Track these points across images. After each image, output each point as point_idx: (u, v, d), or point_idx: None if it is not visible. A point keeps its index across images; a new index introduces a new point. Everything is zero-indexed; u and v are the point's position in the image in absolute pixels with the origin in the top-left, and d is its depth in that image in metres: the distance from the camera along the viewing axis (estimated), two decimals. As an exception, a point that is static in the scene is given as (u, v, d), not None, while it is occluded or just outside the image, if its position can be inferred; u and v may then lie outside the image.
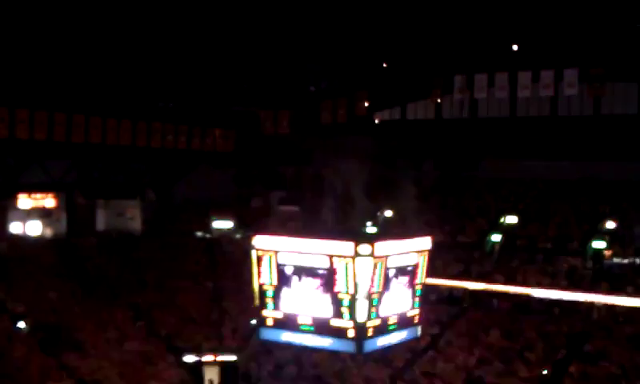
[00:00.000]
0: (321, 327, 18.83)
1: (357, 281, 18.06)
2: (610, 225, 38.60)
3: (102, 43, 31.16)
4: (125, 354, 36.44)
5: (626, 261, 36.53)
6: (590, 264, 37.04)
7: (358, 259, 17.93)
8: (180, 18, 29.08)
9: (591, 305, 35.93)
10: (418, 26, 30.33)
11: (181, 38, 32.01)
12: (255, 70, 38.20)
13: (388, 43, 34.68)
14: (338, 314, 18.46)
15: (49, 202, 44.08)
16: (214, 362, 37.25)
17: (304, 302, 19.04)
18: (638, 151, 38.26)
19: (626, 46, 30.67)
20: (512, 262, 38.77)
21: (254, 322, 29.88)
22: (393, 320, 19.37)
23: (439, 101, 38.45)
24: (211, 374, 36.93)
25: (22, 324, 35.63)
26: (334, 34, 32.25)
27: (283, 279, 19.42)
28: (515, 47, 31.58)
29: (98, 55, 32.72)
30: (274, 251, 19.56)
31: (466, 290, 39.11)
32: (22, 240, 42.93)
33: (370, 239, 18.50)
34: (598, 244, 37.36)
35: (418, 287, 20.26)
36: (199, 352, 37.44)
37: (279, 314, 19.66)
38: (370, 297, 18.25)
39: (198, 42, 32.70)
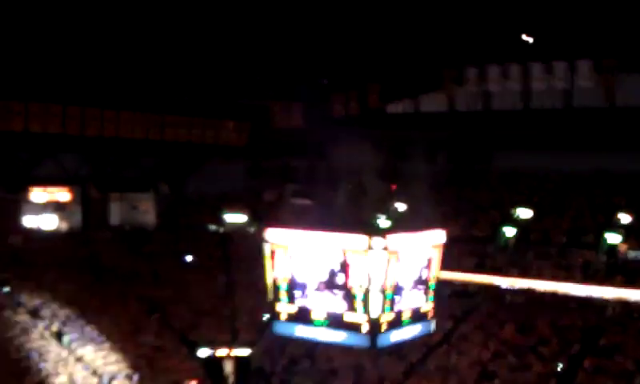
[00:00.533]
0: (334, 321, 18.83)
1: (370, 275, 18.03)
2: (625, 218, 38.29)
3: (115, 37, 31.19)
4: (139, 346, 36.58)
5: (641, 254, 36.24)
6: (604, 258, 36.78)
7: (371, 253, 17.90)
8: (194, 12, 29.08)
9: (606, 299, 35.72)
10: (431, 17, 30.17)
11: (195, 31, 32.00)
12: (267, 63, 38.15)
13: (400, 35, 34.52)
14: (352, 309, 18.45)
15: (63, 195, 44.27)
16: (228, 356, 37.35)
17: (318, 296, 19.03)
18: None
19: (639, 37, 30.39)
20: (526, 255, 38.55)
21: (266, 316, 29.93)
22: (407, 314, 19.34)
23: (452, 93, 38.25)
24: (225, 368, 37.04)
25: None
26: (347, 26, 32.14)
27: (297, 273, 19.42)
28: (529, 39, 31.37)
29: (111, 49, 32.77)
30: (287, 245, 19.56)
31: (479, 285, 38.95)
32: (37, 233, 43.15)
33: (384, 232, 18.45)
34: (613, 237, 37.08)
35: (432, 281, 20.21)
36: (213, 346, 37.53)
37: (293, 308, 19.67)
38: (383, 291, 18.22)
39: (212, 35, 32.68)
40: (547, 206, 41.57)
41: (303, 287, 19.32)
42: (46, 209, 43.79)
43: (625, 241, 36.92)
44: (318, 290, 19.01)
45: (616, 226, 37.97)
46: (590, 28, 30.20)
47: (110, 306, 38.96)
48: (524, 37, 31.21)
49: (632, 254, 36.45)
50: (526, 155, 42.69)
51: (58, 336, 35.71)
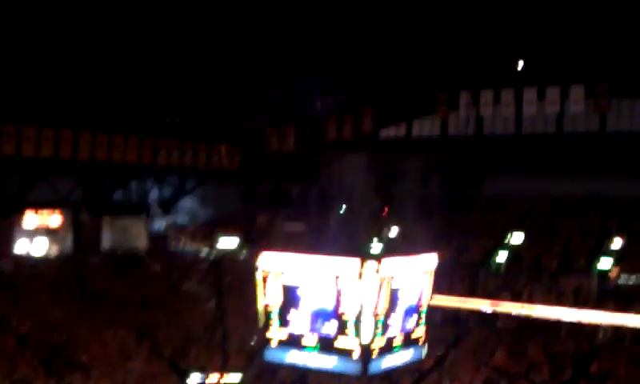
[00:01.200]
0: (326, 347, 18.69)
1: (362, 299, 17.93)
2: (617, 243, 38.37)
3: (107, 59, 31.23)
4: (128, 373, 36.27)
5: (632, 279, 36.26)
6: (596, 283, 36.79)
7: (363, 277, 17.82)
8: (186, 34, 29.17)
9: (598, 324, 35.68)
10: (424, 41, 30.34)
11: (187, 54, 32.07)
12: (260, 87, 38.24)
13: (393, 59, 34.67)
14: (344, 334, 18.33)
15: (55, 219, 44.07)
16: (219, 383, 37.07)
17: (309, 321, 18.91)
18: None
19: (631, 62, 30.60)
20: (518, 280, 38.54)
21: (254, 343, 29.78)
22: (398, 340, 19.22)
23: (445, 117, 38.37)
24: (216, 394, 36.79)
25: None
26: (340, 49, 32.28)
27: (288, 298, 19.31)
28: (521, 63, 31.56)
29: (103, 72, 32.80)
30: (279, 269, 19.46)
31: (471, 310, 38.89)
32: (28, 258, 42.87)
33: (376, 257, 18.39)
34: (605, 262, 37.14)
35: (424, 306, 20.12)
36: (204, 372, 37.26)
37: (284, 334, 19.53)
38: (375, 316, 18.12)
39: (204, 57, 32.76)
40: (539, 231, 41.64)
41: (294, 313, 19.21)
42: (36, 233, 43.57)
43: (616, 266, 36.98)
44: (309, 315, 18.90)
45: (608, 251, 38.06)
46: (583, 53, 30.42)
47: (99, 332, 38.65)
48: (517, 62, 31.42)
49: (624, 279, 36.51)
50: (518, 180, 42.83)
51: (47, 362, 35.35)
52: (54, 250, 44.33)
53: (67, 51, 29.81)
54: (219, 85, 37.40)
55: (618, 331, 35.35)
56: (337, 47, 31.62)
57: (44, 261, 43.13)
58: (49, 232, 44.14)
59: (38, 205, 42.86)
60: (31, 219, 42.98)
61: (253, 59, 33.41)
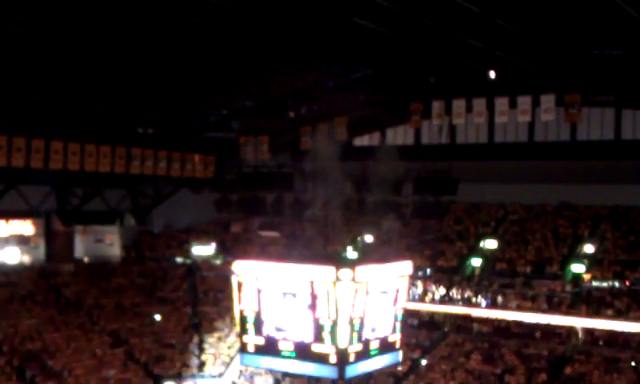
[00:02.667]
0: (302, 353, 18.81)
1: (338, 306, 18.07)
2: (589, 248, 38.87)
3: (79, 68, 31.03)
4: (103, 381, 36.03)
5: (604, 284, 36.75)
6: (569, 287, 37.24)
7: (339, 284, 17.96)
8: (160, 45, 29.08)
9: (571, 328, 36.13)
10: (397, 51, 30.54)
11: (160, 64, 31.97)
12: (235, 96, 38.22)
13: (369, 68, 34.87)
14: (320, 340, 18.45)
15: (27, 228, 43.68)
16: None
17: (285, 327, 19.00)
18: (615, 175, 38.66)
19: (602, 72, 31.05)
20: (492, 286, 38.90)
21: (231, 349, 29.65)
22: (374, 345, 19.39)
23: (418, 126, 38.63)
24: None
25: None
26: (315, 59, 32.41)
27: (264, 305, 19.38)
28: (492, 73, 31.87)
29: (76, 81, 32.57)
30: (254, 277, 19.53)
31: (446, 315, 39.19)
32: (0, 267, 42.43)
33: (351, 264, 18.55)
34: (577, 267, 37.61)
35: (399, 312, 20.30)
36: (179, 379, 37.14)
37: (260, 340, 19.61)
38: (351, 322, 18.25)
39: (178, 67, 32.68)
40: (512, 237, 42.08)
41: (270, 319, 19.28)
42: (8, 242, 43.15)
43: (588, 271, 37.45)
44: (285, 321, 18.98)
45: (580, 257, 38.53)
46: (554, 63, 30.78)
47: (73, 340, 38.38)
48: (489, 72, 31.67)
49: (596, 284, 36.99)
50: (491, 187, 43.25)
51: (20, 371, 35.01)
52: (27, 259, 43.92)
53: (39, 60, 29.59)
54: (193, 94, 37.35)
55: (591, 335, 35.82)
56: (311, 56, 31.73)
57: (16, 270, 42.71)
58: (21, 241, 43.73)
59: (10, 214, 42.45)
60: (3, 228, 42.56)
61: (226, 69, 33.40)
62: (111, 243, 48.22)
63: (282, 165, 38.63)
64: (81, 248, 46.85)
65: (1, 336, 36.67)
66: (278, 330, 19.08)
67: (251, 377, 37.19)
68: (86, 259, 46.55)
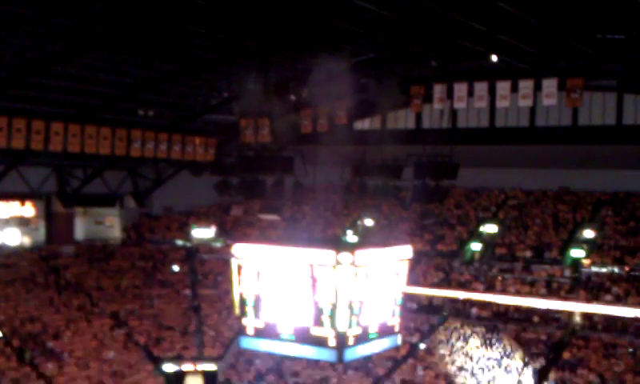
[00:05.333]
0: (301, 336, 18.81)
1: (337, 289, 18.06)
2: (589, 234, 38.90)
3: (80, 49, 30.89)
4: (103, 362, 36.16)
5: (604, 269, 36.82)
6: (568, 272, 37.30)
7: (338, 267, 17.93)
8: (160, 24, 28.95)
9: (570, 313, 36.22)
10: (399, 34, 30.40)
11: (162, 45, 31.86)
12: (236, 79, 38.10)
13: (368, 52, 34.75)
14: (319, 323, 18.45)
15: (27, 210, 43.72)
16: (194, 372, 37.11)
17: (285, 310, 19.02)
18: (616, 161, 38.63)
19: (604, 56, 30.94)
20: (491, 270, 38.98)
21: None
22: (373, 328, 19.38)
23: (419, 110, 38.56)
24: (191, 383, 36.80)
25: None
26: (316, 43, 32.28)
27: (263, 288, 19.39)
28: (494, 57, 31.73)
29: (76, 62, 32.44)
30: (254, 260, 19.52)
31: (445, 299, 39.27)
32: (0, 248, 42.50)
33: (351, 247, 18.52)
34: (577, 253, 37.65)
35: (399, 296, 20.30)
36: (179, 361, 37.27)
37: (260, 323, 19.61)
38: (350, 305, 18.25)
39: (180, 49, 32.57)
40: (512, 222, 42.10)
41: (270, 302, 19.30)
42: (8, 224, 43.20)
43: (588, 256, 37.50)
44: (284, 304, 19.00)
45: (579, 242, 38.57)
46: (556, 46, 30.64)
47: (73, 322, 38.49)
48: (491, 56, 31.53)
49: (595, 269, 37.06)
50: (492, 172, 43.24)
51: (20, 352, 35.14)
52: (27, 241, 43.99)
53: (39, 40, 29.47)
54: (194, 76, 37.25)
55: (590, 320, 35.92)
56: (312, 40, 31.58)
57: (16, 251, 42.78)
58: (21, 222, 43.78)
59: (10, 196, 42.48)
60: (3, 210, 42.59)
61: (227, 52, 33.29)
62: (111, 225, 48.31)
63: (282, 148, 38.56)
64: (81, 230, 46.92)
65: (1, 317, 36.77)
66: (278, 313, 19.10)
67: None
68: (85, 240, 46.63)
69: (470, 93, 34.84)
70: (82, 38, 29.47)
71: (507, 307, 37.76)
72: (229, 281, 20.35)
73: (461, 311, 39.05)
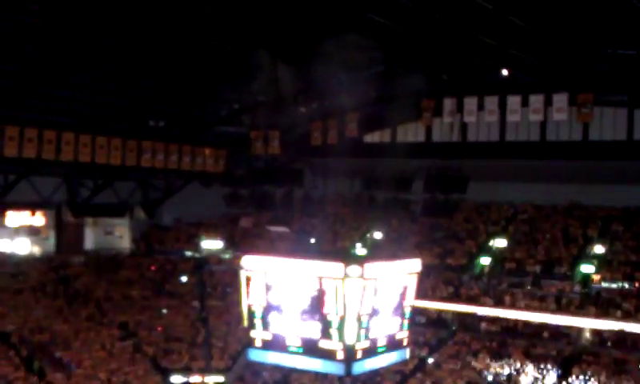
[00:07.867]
0: (309, 349, 18.78)
1: (346, 302, 18.03)
2: (599, 249, 38.69)
3: (92, 60, 31.08)
4: (111, 373, 36.15)
5: (614, 285, 36.59)
6: (578, 288, 37.08)
7: (347, 280, 17.91)
8: (171, 37, 29.11)
9: (579, 329, 35.99)
10: (409, 48, 30.45)
11: (173, 57, 32.00)
12: (245, 90, 38.22)
13: (379, 65, 34.79)
14: (327, 336, 18.42)
15: (37, 219, 43.87)
16: (202, 383, 37.06)
17: (293, 323, 18.98)
18: (626, 176, 38.44)
19: (615, 71, 30.88)
20: (500, 285, 38.79)
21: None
22: (382, 342, 19.34)
23: (429, 123, 38.54)
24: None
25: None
26: (327, 55, 32.35)
27: (272, 300, 19.37)
28: (505, 71, 31.72)
29: (87, 73, 32.62)
30: (263, 272, 19.52)
31: (454, 313, 39.08)
32: (10, 257, 42.65)
33: (360, 261, 18.50)
34: (587, 268, 37.44)
35: (407, 309, 20.24)
36: (187, 372, 37.23)
37: (268, 335, 19.60)
38: (359, 318, 18.21)
39: (191, 61, 32.71)
40: (522, 237, 41.92)
41: (278, 314, 19.27)
42: (19, 233, 43.36)
43: (598, 271, 37.28)
44: (293, 317, 18.97)
45: (589, 257, 38.36)
46: (567, 61, 30.62)
47: (82, 332, 38.53)
48: (502, 70, 31.56)
49: (605, 285, 36.84)
50: (502, 186, 43.09)
51: (29, 362, 35.17)
52: (37, 250, 44.13)
53: (49, 51, 29.65)
54: (204, 88, 37.38)
55: (599, 335, 35.67)
56: (321, 52, 31.69)
57: (26, 260, 42.90)
58: (31, 232, 43.94)
59: (21, 205, 42.64)
60: (14, 219, 42.75)
61: (235, 64, 33.39)
62: (121, 236, 48.41)
63: (292, 160, 38.61)
64: (91, 240, 47.03)
65: (10, 326, 36.84)
66: (286, 325, 19.07)
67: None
68: (94, 250, 46.72)
69: (481, 107, 34.81)
70: (94, 49, 29.63)
71: (516, 322, 37.54)
72: (237, 292, 20.35)
73: (470, 326, 38.85)
